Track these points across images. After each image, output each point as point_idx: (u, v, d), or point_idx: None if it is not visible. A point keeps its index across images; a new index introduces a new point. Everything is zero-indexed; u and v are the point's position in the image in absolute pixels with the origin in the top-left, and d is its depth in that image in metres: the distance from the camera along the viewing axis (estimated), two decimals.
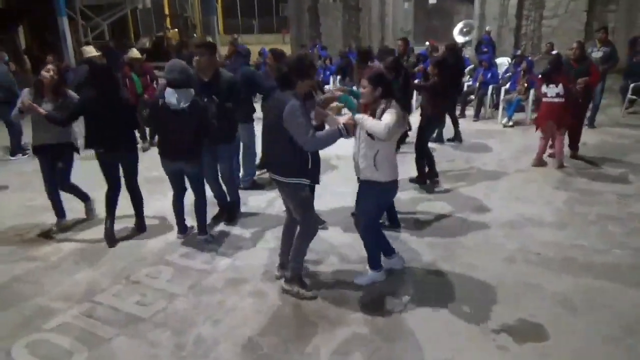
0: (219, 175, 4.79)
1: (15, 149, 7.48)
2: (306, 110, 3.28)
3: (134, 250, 4.39)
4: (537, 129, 6.47)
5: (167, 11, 29.25)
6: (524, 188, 5.68)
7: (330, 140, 3.26)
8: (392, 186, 3.50)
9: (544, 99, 6.25)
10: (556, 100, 6.10)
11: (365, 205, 3.58)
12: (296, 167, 3.35)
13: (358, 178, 3.58)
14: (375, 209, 3.63)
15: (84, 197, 5.02)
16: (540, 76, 6.47)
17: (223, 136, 4.49)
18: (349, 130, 3.23)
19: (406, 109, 4.81)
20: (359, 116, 3.29)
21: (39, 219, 5.01)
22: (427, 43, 13.40)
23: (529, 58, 10.56)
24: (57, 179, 4.70)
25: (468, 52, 12.71)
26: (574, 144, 6.70)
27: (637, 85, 8.93)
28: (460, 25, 13.20)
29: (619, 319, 3.23)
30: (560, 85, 6.06)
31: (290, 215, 3.64)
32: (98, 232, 4.69)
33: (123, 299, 3.62)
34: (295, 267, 3.58)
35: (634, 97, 9.13)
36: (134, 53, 7.84)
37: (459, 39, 12.64)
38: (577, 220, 4.78)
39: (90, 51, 8.32)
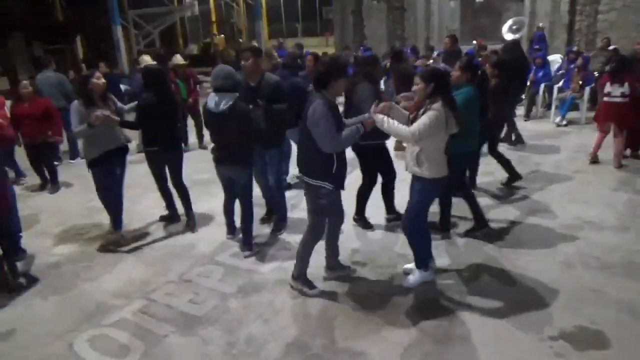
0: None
1: (74, 153, 7.86)
2: (333, 111, 3.28)
3: (186, 250, 4.51)
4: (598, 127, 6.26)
5: (214, 18, 30.02)
6: (582, 189, 5.44)
7: (350, 140, 3.32)
8: (437, 183, 3.45)
9: (606, 99, 5.97)
10: (619, 100, 5.83)
11: (411, 198, 3.57)
12: (320, 169, 3.37)
13: None
14: (418, 204, 3.55)
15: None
16: (605, 74, 6.19)
17: (270, 140, 4.48)
18: (366, 128, 3.32)
19: (483, 113, 4.44)
20: (380, 117, 3.28)
21: (97, 219, 5.24)
22: (475, 42, 13.10)
23: (585, 54, 10.10)
24: (116, 186, 4.64)
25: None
26: (634, 144, 6.35)
27: None
28: (509, 22, 12.69)
29: None
30: (626, 84, 5.77)
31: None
32: (152, 232, 4.87)
33: (176, 297, 3.72)
34: (300, 266, 3.66)
35: None
36: (178, 59, 8.13)
37: (509, 37, 12.18)
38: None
39: (147, 60, 8.68)
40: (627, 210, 4.84)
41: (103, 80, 4.40)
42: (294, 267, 3.71)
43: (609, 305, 3.31)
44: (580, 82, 8.61)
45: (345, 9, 18.12)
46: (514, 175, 5.62)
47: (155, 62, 8.61)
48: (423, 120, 3.21)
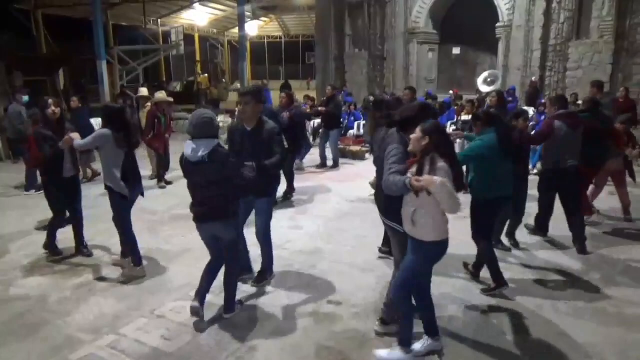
0: (255, 231, 4.36)
1: (30, 184, 7.74)
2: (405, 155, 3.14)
3: (161, 284, 4.46)
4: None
5: (198, 57, 30.55)
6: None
7: (393, 187, 2.99)
8: (435, 248, 3.11)
9: None
10: None
11: (405, 258, 3.25)
12: (390, 209, 3.33)
13: None
14: (411, 268, 3.19)
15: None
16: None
17: (262, 189, 4.16)
18: (414, 188, 2.87)
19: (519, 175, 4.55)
20: (440, 180, 2.80)
21: (67, 251, 5.15)
22: (451, 92, 13.66)
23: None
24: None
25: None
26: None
27: None
28: (484, 74, 13.40)
29: None
30: None
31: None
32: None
33: (148, 332, 3.65)
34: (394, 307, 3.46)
35: None
36: (161, 95, 8.38)
37: (484, 89, 12.80)
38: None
39: (145, 91, 8.93)
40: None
41: (54, 110, 4.83)
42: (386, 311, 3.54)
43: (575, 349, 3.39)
44: None
45: (328, 55, 18.72)
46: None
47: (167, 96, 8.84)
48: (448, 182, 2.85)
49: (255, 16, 32.47)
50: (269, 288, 4.36)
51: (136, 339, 3.55)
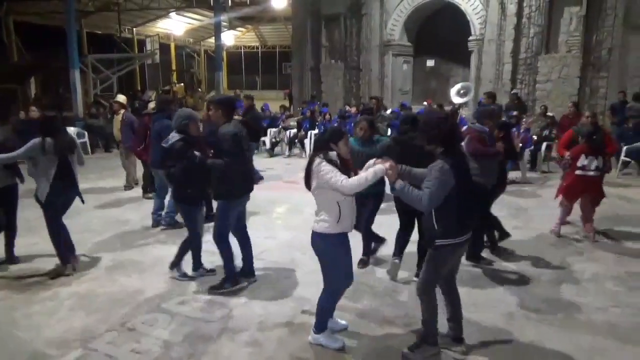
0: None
1: None
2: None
3: (132, 296, 4.36)
4: (557, 196, 6.00)
5: (174, 67, 30.34)
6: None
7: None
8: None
9: (579, 172, 5.60)
10: (593, 174, 5.56)
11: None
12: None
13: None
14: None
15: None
16: (581, 145, 5.68)
17: (214, 190, 4.48)
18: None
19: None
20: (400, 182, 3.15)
21: (35, 264, 5.01)
22: (425, 103, 13.87)
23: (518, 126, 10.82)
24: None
25: (465, 113, 13.09)
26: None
27: (629, 148, 9.24)
28: (457, 86, 13.57)
29: None
30: (600, 158, 5.53)
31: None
32: (95, 277, 4.72)
33: (118, 346, 3.57)
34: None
35: (628, 159, 9.40)
36: (119, 98, 8.54)
37: (456, 100, 13.02)
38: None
39: (122, 100, 8.79)
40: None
41: None
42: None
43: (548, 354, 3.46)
44: (520, 145, 9.20)
45: (304, 66, 18.82)
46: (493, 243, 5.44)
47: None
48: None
49: (232, 26, 32.53)
50: (243, 299, 4.32)
51: (106, 354, 3.47)
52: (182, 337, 3.68)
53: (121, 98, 8.91)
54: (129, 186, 8.47)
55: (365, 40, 17.10)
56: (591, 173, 5.58)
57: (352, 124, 8.61)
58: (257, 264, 5.04)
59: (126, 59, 21.98)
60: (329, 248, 3.40)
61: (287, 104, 16.70)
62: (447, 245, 3.19)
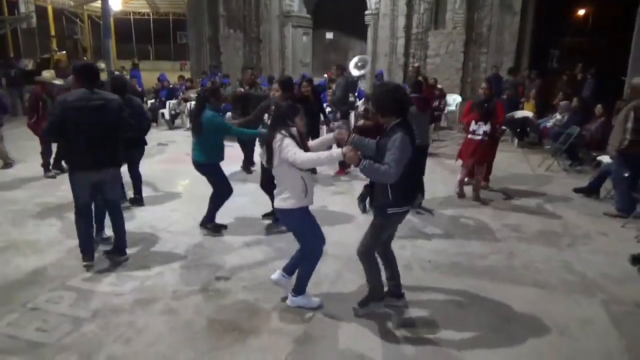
0: None
1: None
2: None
3: (32, 277, 4.13)
4: (457, 160, 6.65)
5: (53, 32, 27.52)
6: None
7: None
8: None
9: (470, 136, 6.37)
10: (480, 137, 6.25)
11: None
12: None
13: None
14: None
15: None
16: (473, 114, 6.41)
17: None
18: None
19: None
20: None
21: None
22: (326, 75, 14.19)
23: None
24: None
25: (363, 85, 13.64)
26: (487, 175, 6.93)
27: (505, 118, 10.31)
28: (355, 59, 14.06)
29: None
30: (489, 124, 6.22)
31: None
32: None
33: (22, 326, 3.41)
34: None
35: (503, 127, 10.48)
36: (48, 75, 7.41)
37: (355, 72, 13.49)
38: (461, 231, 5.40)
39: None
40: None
41: None
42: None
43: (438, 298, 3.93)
44: None
45: (202, 36, 18.16)
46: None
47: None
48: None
49: None
50: (155, 269, 4.29)
51: (9, 335, 3.30)
52: (91, 313, 3.60)
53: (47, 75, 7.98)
54: (9, 164, 7.74)
55: (265, 10, 16.91)
56: (478, 137, 6.27)
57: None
58: (166, 236, 5.03)
59: None
60: (299, 221, 3.55)
61: (186, 75, 16.03)
62: (397, 214, 3.40)
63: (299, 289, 3.70)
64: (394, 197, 3.32)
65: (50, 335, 3.30)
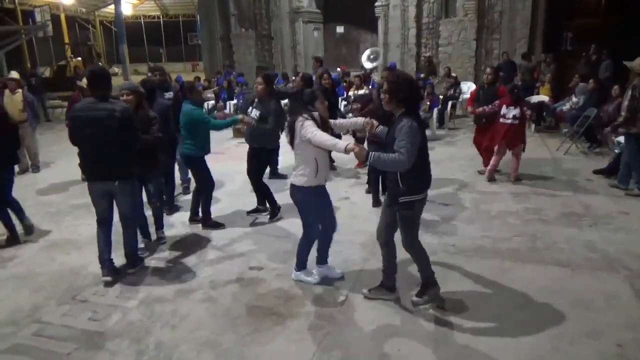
0: None
1: None
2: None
3: (75, 272, 4.37)
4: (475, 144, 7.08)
5: (67, 40, 28.03)
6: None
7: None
8: None
9: (501, 120, 6.56)
10: (510, 122, 6.49)
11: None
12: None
13: None
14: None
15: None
16: (504, 99, 6.62)
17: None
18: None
19: None
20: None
21: None
22: (339, 69, 14.32)
23: (430, 81, 11.73)
24: None
25: (377, 77, 13.75)
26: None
27: None
28: (367, 52, 14.20)
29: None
30: (519, 109, 6.47)
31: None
32: (31, 258, 4.63)
33: (74, 317, 3.64)
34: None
35: None
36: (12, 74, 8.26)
37: (367, 65, 13.61)
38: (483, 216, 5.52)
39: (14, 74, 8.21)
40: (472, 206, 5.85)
41: None
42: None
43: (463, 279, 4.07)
44: (428, 104, 9.98)
45: (214, 35, 18.40)
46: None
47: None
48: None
49: None
50: (191, 262, 4.50)
51: (63, 325, 3.53)
52: (137, 302, 3.82)
53: (17, 75, 8.32)
54: (36, 167, 8.08)
55: (275, 7, 17.06)
56: (508, 121, 6.50)
57: None
58: (196, 230, 5.24)
59: (11, 32, 19.96)
60: (305, 198, 3.80)
61: (200, 75, 16.27)
62: (412, 202, 3.39)
63: (299, 264, 4.06)
64: (406, 185, 3.33)
65: (101, 324, 3.53)
